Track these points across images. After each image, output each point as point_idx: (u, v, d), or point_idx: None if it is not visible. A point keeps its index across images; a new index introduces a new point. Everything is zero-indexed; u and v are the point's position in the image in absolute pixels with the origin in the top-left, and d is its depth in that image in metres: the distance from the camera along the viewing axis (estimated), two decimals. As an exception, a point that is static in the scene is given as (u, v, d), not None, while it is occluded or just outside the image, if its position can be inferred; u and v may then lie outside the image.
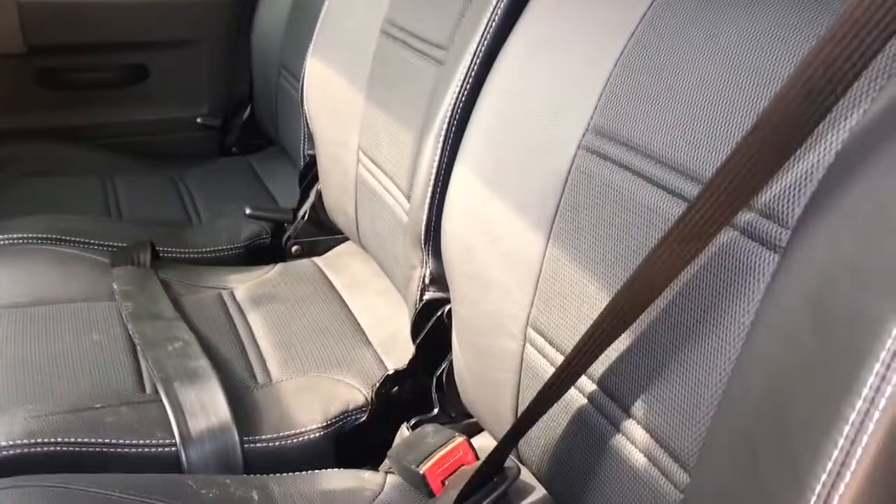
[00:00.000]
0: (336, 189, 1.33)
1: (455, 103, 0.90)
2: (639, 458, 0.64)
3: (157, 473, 0.87)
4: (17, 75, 1.76)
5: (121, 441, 0.88)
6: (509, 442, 0.72)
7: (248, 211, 1.43)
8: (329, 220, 1.40)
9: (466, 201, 0.84)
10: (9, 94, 1.77)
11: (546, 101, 0.76)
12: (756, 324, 0.54)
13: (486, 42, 0.88)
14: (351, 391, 1.03)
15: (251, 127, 1.90)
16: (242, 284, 1.29)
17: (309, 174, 1.45)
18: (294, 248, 1.41)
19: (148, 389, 0.99)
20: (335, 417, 0.99)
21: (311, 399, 1.01)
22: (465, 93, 0.89)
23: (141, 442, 0.89)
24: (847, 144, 0.52)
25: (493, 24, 0.88)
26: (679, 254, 0.57)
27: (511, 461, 0.78)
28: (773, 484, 0.49)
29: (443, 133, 0.91)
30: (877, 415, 0.42)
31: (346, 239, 1.42)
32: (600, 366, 0.67)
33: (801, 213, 0.53)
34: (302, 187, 1.47)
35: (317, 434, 0.98)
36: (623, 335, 0.63)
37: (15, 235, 1.32)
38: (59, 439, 0.86)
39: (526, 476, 0.82)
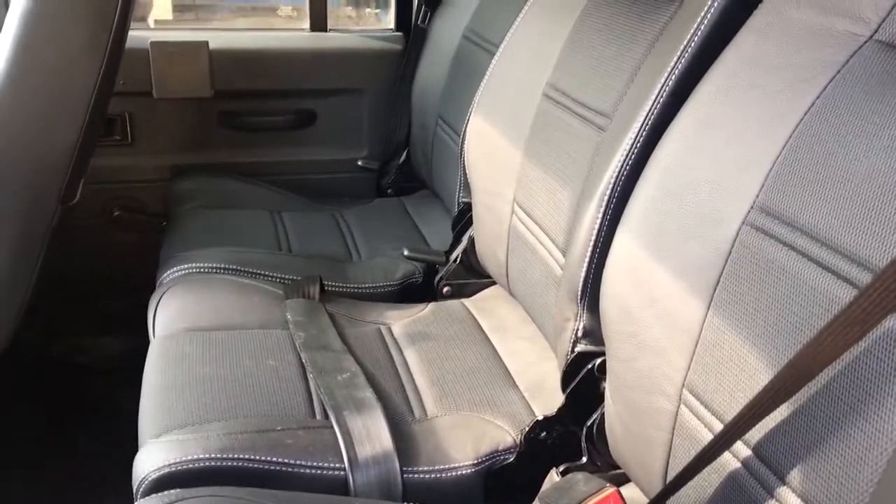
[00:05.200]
0: (488, 236, 1.41)
1: (620, 171, 0.96)
2: (792, 525, 0.67)
3: (327, 494, 0.96)
4: (203, 117, 1.95)
5: (298, 462, 0.98)
6: (661, 499, 0.77)
7: (406, 252, 1.53)
8: (479, 264, 1.48)
9: (627, 264, 0.89)
10: (195, 134, 1.97)
11: (712, 176, 0.81)
12: (920, 409, 0.57)
13: (653, 116, 0.94)
14: (500, 432, 1.10)
15: (406, 171, 2.02)
16: (399, 321, 1.38)
17: (462, 220, 1.54)
18: (445, 290, 1.50)
19: (318, 414, 1.09)
20: (485, 456, 1.06)
21: (464, 436, 1.09)
22: (630, 162, 0.95)
23: (315, 464, 0.99)
24: None
25: (661, 100, 0.94)
26: (844, 336, 0.60)
27: (659, 515, 0.82)
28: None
29: (605, 198, 0.97)
30: None
31: (494, 283, 1.49)
32: (757, 432, 0.71)
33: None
34: (455, 232, 1.56)
35: (468, 470, 1.05)
36: (783, 405, 0.67)
37: (200, 264, 1.47)
38: (247, 456, 0.97)
39: (672, 530, 0.86)
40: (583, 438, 1.01)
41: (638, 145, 0.94)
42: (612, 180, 0.96)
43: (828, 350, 0.61)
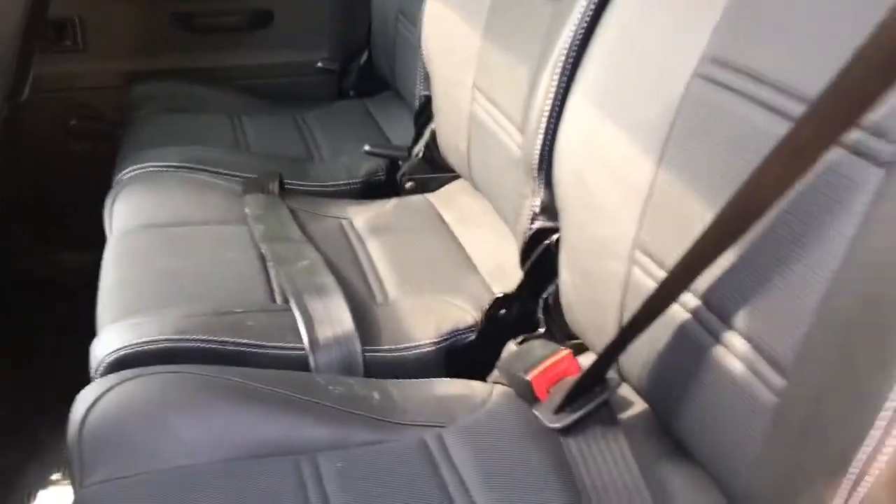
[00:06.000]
0: (449, 127, 1.39)
1: (573, 37, 0.94)
2: (737, 366, 0.68)
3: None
4: (156, 19, 1.89)
5: (258, 343, 0.98)
6: (612, 352, 0.78)
7: (366, 148, 1.51)
8: (441, 158, 1.47)
9: (580, 130, 0.88)
10: (148, 37, 1.91)
11: (663, 31, 0.79)
12: (859, 235, 0.57)
13: (605, -23, 0.92)
14: (461, 312, 1.10)
15: (368, 71, 1.97)
16: (361, 215, 1.37)
17: (424, 114, 1.52)
18: (408, 185, 1.49)
19: (278, 301, 1.08)
20: (447, 334, 1.07)
21: (425, 317, 1.09)
22: (584, 27, 0.93)
23: (276, 344, 0.99)
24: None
25: (613, -40, 0.91)
26: (786, 171, 0.60)
27: (612, 374, 0.84)
28: (867, 379, 0.53)
29: (559, 65, 0.95)
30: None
31: (458, 177, 1.48)
32: (703, 281, 0.71)
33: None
34: (417, 126, 1.54)
35: (429, 349, 1.05)
36: (729, 251, 0.67)
37: (155, 163, 1.44)
38: (206, 337, 0.97)
39: (626, 390, 0.87)
40: (539, 310, 1.02)
41: (591, 9, 0.92)
42: (566, 47, 0.95)
43: (771, 186, 0.61)
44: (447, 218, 1.39)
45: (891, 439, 0.50)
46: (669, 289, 0.71)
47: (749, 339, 0.67)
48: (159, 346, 0.95)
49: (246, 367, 0.96)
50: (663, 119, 0.78)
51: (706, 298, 0.72)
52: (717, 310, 0.70)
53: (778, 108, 0.66)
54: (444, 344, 1.06)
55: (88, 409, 0.83)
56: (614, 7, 0.87)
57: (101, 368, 0.94)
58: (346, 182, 1.52)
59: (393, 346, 1.04)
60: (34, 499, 1.45)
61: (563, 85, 0.95)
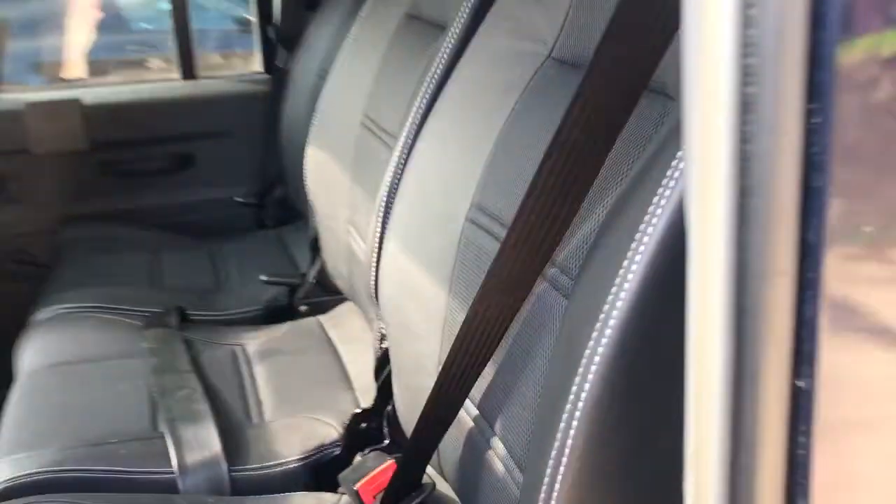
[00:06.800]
0: (333, 256, 1.53)
1: (391, 182, 1.09)
2: (500, 467, 0.79)
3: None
4: (82, 168, 2.05)
5: (129, 469, 1.08)
6: (411, 461, 0.89)
7: (262, 278, 1.65)
8: (332, 282, 1.60)
9: (392, 264, 1.02)
10: (75, 185, 2.07)
11: (444, 183, 0.95)
12: (553, 353, 0.70)
13: (412, 134, 1.08)
14: (328, 428, 1.21)
15: (283, 203, 2.13)
16: (255, 341, 1.49)
17: (317, 243, 1.67)
18: (302, 308, 1.61)
19: (160, 429, 1.19)
20: (313, 450, 1.17)
21: (294, 436, 1.20)
22: (400, 174, 1.09)
23: (146, 470, 1.09)
24: (610, 213, 0.68)
25: (418, 119, 1.07)
26: (504, 301, 0.74)
27: (430, 476, 0.94)
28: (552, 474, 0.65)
29: (382, 208, 1.10)
30: (577, 415, 0.58)
31: (347, 299, 1.61)
32: (478, 391, 0.83)
33: (581, 267, 0.69)
34: (312, 254, 1.68)
35: (295, 465, 1.15)
36: (489, 365, 0.80)
37: (69, 305, 1.56)
38: (80, 467, 1.07)
39: (447, 488, 0.98)
40: (384, 423, 1.13)
41: (403, 161, 1.08)
42: (387, 191, 1.10)
43: (496, 313, 0.74)
44: (334, 338, 1.51)
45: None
46: (447, 399, 0.83)
47: (504, 443, 0.78)
48: (36, 478, 1.05)
49: (118, 493, 1.07)
50: (448, 255, 0.92)
51: (480, 407, 0.84)
52: (487, 418, 0.82)
53: (514, 246, 0.80)
54: (309, 459, 1.16)
55: (-39, 543, 0.93)
56: (413, 159, 1.02)
57: (-16, 503, 1.04)
58: (249, 309, 1.64)
59: (259, 465, 1.14)
60: None
61: (384, 224, 1.09)
